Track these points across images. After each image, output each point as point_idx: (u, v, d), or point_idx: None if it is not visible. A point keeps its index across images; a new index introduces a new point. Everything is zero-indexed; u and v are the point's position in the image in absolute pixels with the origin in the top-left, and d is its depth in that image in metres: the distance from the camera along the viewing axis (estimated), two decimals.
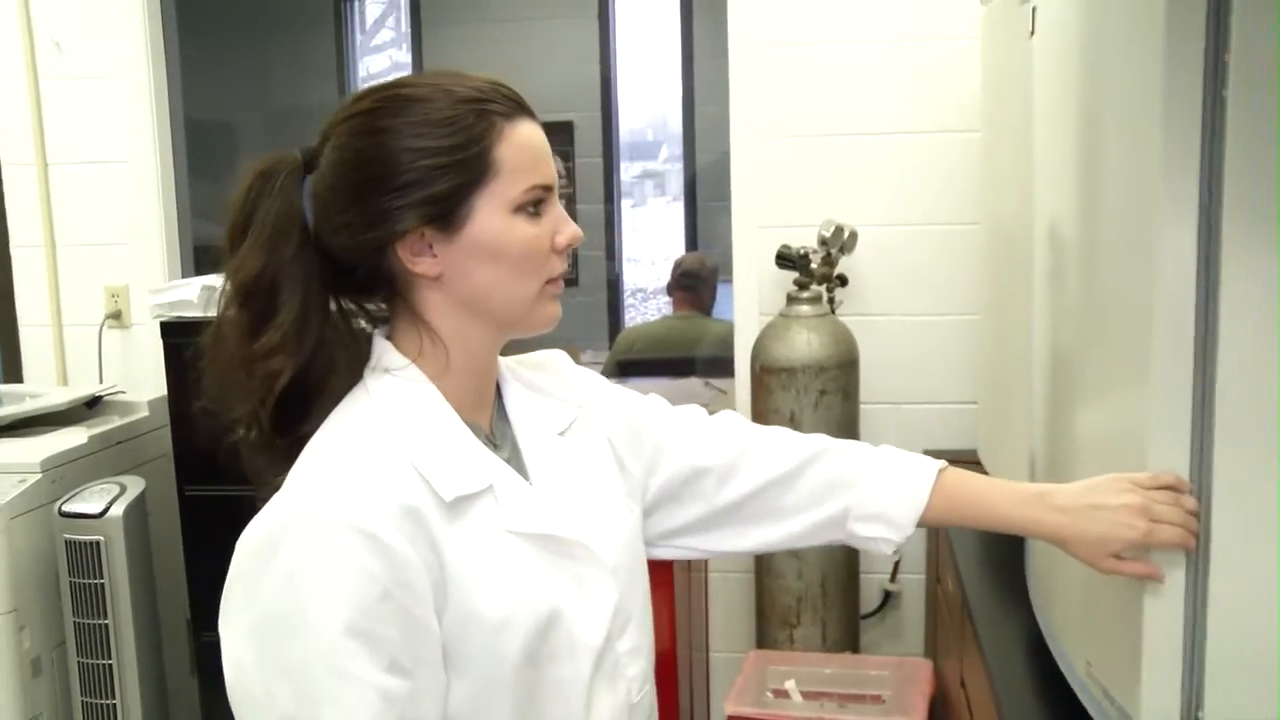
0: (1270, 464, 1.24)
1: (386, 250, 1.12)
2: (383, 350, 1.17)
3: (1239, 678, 1.28)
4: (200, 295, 2.33)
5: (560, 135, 5.19)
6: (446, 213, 1.11)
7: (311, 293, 1.13)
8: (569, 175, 5.20)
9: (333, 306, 1.17)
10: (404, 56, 5.98)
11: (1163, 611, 1.28)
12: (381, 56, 6.27)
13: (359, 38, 6.10)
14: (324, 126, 1.15)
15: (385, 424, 1.12)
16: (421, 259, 1.12)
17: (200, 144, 3.55)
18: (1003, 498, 1.33)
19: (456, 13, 5.57)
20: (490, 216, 1.12)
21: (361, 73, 6.13)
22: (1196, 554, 1.28)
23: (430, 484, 1.09)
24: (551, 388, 1.30)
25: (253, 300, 1.12)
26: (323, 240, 1.13)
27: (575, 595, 1.18)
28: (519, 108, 1.14)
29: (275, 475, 1.13)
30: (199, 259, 3.33)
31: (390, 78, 1.20)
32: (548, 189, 1.15)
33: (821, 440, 1.39)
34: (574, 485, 1.25)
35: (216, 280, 1.15)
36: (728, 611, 3.07)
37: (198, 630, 2.55)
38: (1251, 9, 1.16)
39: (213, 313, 1.16)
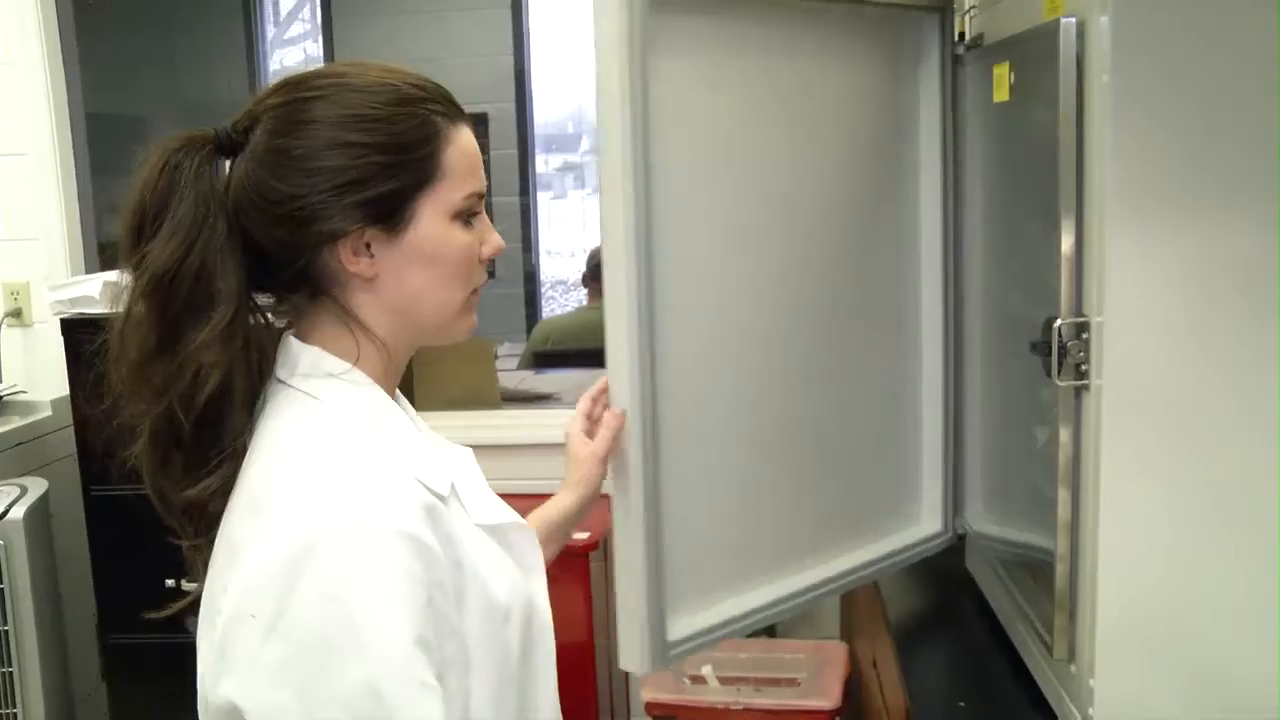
0: (1151, 447, 1.28)
1: (323, 248, 1.07)
2: (314, 355, 1.09)
3: (1127, 649, 1.32)
4: (103, 291, 2.29)
5: (475, 128, 5.18)
6: (390, 213, 1.06)
7: (242, 284, 1.05)
8: (484, 168, 5.19)
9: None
10: (319, 50, 5.90)
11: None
12: (295, 49, 6.18)
13: (271, 31, 6.01)
14: (250, 109, 1.08)
15: (363, 430, 1.07)
16: (359, 259, 1.07)
17: (107, 138, 3.47)
18: (547, 510, 1.42)
19: (368, 4, 5.51)
20: (432, 221, 1.08)
21: (274, 66, 6.04)
22: (1082, 529, 1.32)
23: (425, 484, 1.05)
24: None
25: (172, 292, 1.03)
26: (249, 231, 1.06)
27: (528, 579, 1.18)
28: (458, 111, 1.12)
29: (184, 489, 1.06)
30: (104, 255, 3.26)
31: (319, 65, 1.14)
32: (482, 197, 1.13)
33: None
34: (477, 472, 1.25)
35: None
36: None
37: (106, 634, 2.49)
38: None
39: (118, 309, 1.08)
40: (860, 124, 1.77)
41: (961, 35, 1.83)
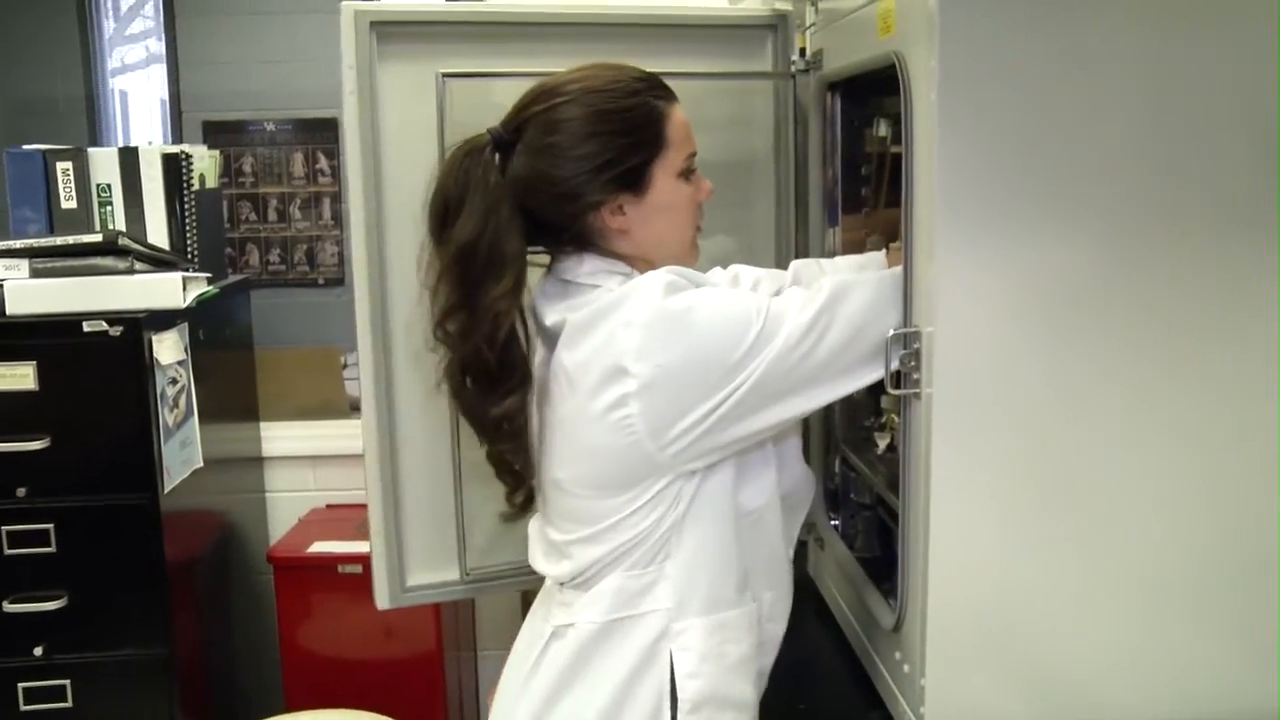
0: (981, 453, 1.33)
1: (588, 213, 1.39)
2: (597, 259, 1.41)
3: (958, 649, 1.36)
4: None
5: (324, 132, 5.06)
6: (636, 181, 1.39)
7: (523, 249, 1.39)
8: (334, 173, 5.08)
9: None
10: (161, 48, 5.70)
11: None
12: (138, 47, 5.96)
13: (109, 26, 5.78)
14: (516, 114, 1.40)
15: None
16: (616, 218, 1.40)
17: None
18: None
19: (213, 2, 5.34)
20: (665, 181, 1.40)
21: (115, 63, 5.81)
22: (913, 534, 1.36)
23: None
24: None
25: (472, 260, 1.37)
26: (530, 208, 1.39)
27: None
28: (669, 92, 1.42)
29: (493, 406, 1.41)
30: None
31: (555, 75, 1.40)
32: (695, 155, 1.43)
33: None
34: None
35: None
36: (495, 608, 3.06)
37: None
38: None
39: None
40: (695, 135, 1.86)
41: (802, 51, 1.88)
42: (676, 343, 1.29)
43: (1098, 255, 1.30)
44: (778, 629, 1.53)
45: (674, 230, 1.43)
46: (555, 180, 1.37)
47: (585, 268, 1.42)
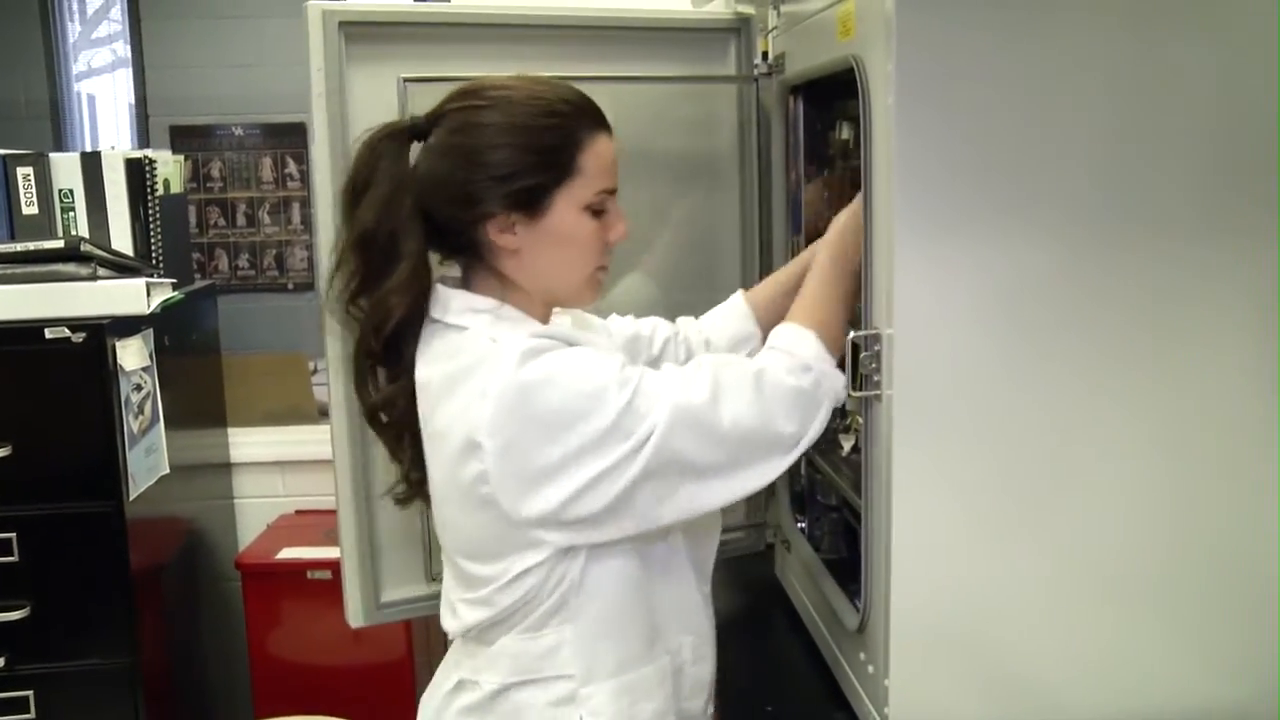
0: (943, 455, 1.33)
1: (479, 224, 1.33)
2: (465, 296, 1.37)
3: (921, 649, 1.37)
4: None
5: (293, 137, 5.04)
6: (532, 202, 1.32)
7: (421, 246, 1.34)
8: (302, 178, 5.06)
9: None
10: (128, 51, 5.66)
11: None
12: (104, 51, 5.92)
13: (74, 29, 5.74)
14: (438, 107, 1.36)
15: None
16: (505, 235, 1.33)
17: None
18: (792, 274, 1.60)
19: (180, 6, 5.31)
20: (566, 211, 1.33)
21: (81, 66, 5.77)
22: (875, 535, 1.36)
23: None
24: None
25: (371, 247, 1.33)
26: (428, 207, 1.34)
27: None
28: (598, 122, 1.35)
29: (375, 393, 1.40)
30: None
31: (488, 77, 1.37)
32: (612, 193, 1.36)
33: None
34: None
35: None
36: None
37: None
38: None
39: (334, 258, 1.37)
40: (658, 136, 1.84)
41: (765, 54, 1.88)
42: (529, 415, 1.24)
43: (1055, 256, 1.31)
44: (704, 670, 1.48)
45: (566, 264, 1.36)
46: (453, 182, 1.32)
47: (454, 304, 1.36)
